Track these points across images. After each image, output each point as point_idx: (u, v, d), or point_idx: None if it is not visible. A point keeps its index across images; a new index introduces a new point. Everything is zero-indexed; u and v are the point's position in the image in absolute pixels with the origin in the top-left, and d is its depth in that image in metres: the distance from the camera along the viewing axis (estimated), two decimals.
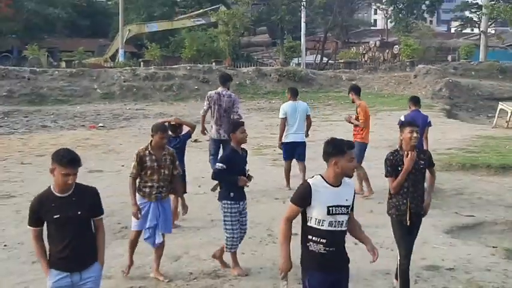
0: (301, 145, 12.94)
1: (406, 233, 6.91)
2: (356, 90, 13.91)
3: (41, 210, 5.17)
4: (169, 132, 10.42)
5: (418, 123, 12.14)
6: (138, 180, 7.62)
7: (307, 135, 13.53)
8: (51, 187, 5.28)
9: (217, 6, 51.44)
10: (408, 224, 6.81)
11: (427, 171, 7.13)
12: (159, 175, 7.53)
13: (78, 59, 41.62)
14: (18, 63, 38.86)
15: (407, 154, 6.72)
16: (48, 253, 5.21)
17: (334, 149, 5.34)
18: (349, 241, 9.27)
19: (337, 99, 29.69)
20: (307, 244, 5.20)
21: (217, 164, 7.89)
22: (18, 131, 21.49)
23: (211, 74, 31.81)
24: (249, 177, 7.94)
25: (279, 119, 13.41)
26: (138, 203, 7.51)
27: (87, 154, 16.83)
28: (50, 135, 20.29)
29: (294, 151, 13.01)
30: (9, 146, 18.09)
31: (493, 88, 34.01)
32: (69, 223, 5.11)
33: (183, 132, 10.74)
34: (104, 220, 10.21)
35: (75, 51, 45.59)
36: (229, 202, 7.75)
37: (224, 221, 7.81)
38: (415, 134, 6.82)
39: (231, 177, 7.67)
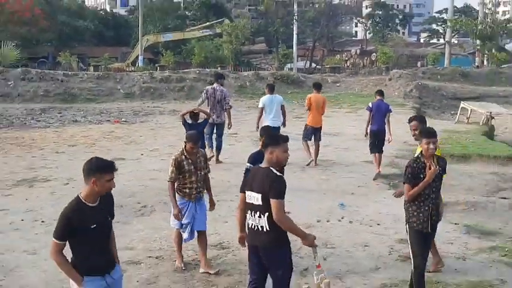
0: (277, 129, 12.85)
1: (424, 241, 6.02)
2: (315, 85, 15.42)
3: (78, 223, 4.52)
4: (190, 120, 12.05)
5: (382, 109, 13.18)
6: (176, 183, 7.10)
7: (284, 125, 13.83)
8: (81, 199, 4.64)
9: (222, 19, 51.38)
10: (429, 231, 6.02)
11: None
12: (197, 176, 7.06)
13: (104, 64, 41.51)
14: (53, 67, 38.71)
15: (430, 166, 5.86)
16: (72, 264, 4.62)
17: (271, 140, 5.30)
18: (333, 218, 9.39)
19: None
20: None
21: (246, 164, 7.10)
22: (53, 125, 21.47)
23: (213, 84, 31.79)
24: None
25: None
26: (179, 203, 7.05)
27: (112, 145, 16.88)
28: (80, 129, 20.28)
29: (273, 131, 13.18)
30: (46, 137, 18.08)
31: (455, 90, 34.01)
32: (102, 231, 4.67)
33: (199, 120, 11.97)
34: (126, 200, 10.39)
35: (101, 57, 45.44)
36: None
37: None
38: (431, 146, 5.92)
39: None
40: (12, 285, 6.71)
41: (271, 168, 5.06)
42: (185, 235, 7.18)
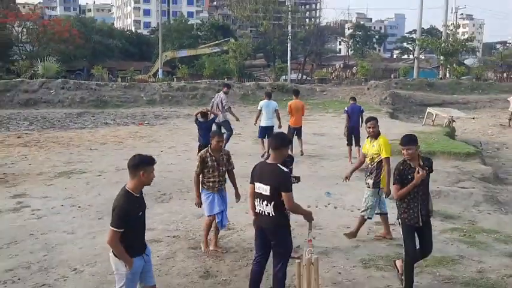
0: (270, 128, 13.60)
1: (413, 235, 5.66)
2: (294, 92, 16.16)
3: (132, 212, 4.50)
4: (201, 118, 12.47)
5: (356, 110, 13.77)
6: (201, 176, 6.89)
7: (280, 126, 13.98)
8: (129, 191, 4.55)
9: (228, 38, 51.36)
10: (420, 225, 5.63)
11: None
12: (219, 172, 6.85)
13: (130, 76, 41.53)
14: (87, 78, 38.81)
15: (419, 171, 5.54)
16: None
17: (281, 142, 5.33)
18: (321, 204, 9.39)
19: (312, 105, 29.67)
20: None
21: None
22: (88, 126, 21.49)
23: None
24: (297, 179, 6.86)
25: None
26: (203, 193, 6.88)
27: (137, 143, 16.88)
28: (110, 130, 20.29)
29: (265, 132, 13.74)
30: (81, 137, 18.11)
31: (423, 97, 33.99)
32: (144, 217, 4.71)
33: (209, 118, 12.52)
34: (148, 189, 10.32)
35: (127, 70, 45.52)
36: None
37: None
38: (405, 152, 5.63)
39: None
40: (54, 260, 6.72)
41: (279, 165, 5.11)
42: (224, 221, 7.00)
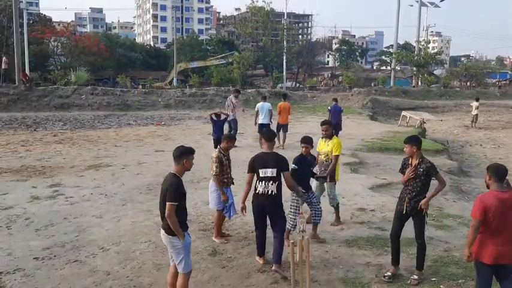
0: (267, 125, 13.88)
1: (398, 217, 5.54)
2: (283, 96, 16.57)
3: (181, 188, 4.60)
4: (215, 118, 13.15)
5: (337, 109, 14.94)
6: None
7: (271, 122, 14.63)
8: (176, 174, 4.65)
9: (233, 52, 51.31)
10: (404, 212, 5.47)
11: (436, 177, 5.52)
12: (230, 169, 6.70)
13: (149, 83, 41.58)
14: (113, 85, 38.78)
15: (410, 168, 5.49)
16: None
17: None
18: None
19: (304, 109, 29.70)
20: None
21: (292, 165, 6.19)
22: (113, 126, 21.48)
23: (229, 93, 31.77)
24: (324, 178, 6.87)
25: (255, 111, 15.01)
26: (215, 188, 6.61)
27: (155, 140, 16.87)
28: (132, 129, 20.28)
29: (263, 128, 13.87)
30: (108, 135, 18.10)
31: (398, 102, 33.96)
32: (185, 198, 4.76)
33: (222, 118, 13.36)
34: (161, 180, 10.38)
35: (147, 79, 45.59)
36: (293, 194, 6.22)
37: (290, 205, 6.31)
38: (405, 148, 5.66)
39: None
40: (84, 240, 6.73)
41: (276, 152, 5.81)
42: (232, 212, 6.73)
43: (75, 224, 7.40)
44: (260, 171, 5.58)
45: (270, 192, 5.51)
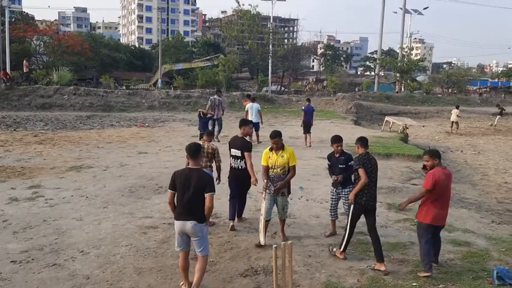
0: (257, 124, 15.28)
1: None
2: (248, 96, 18.96)
3: None
4: (202, 115, 15.79)
5: (311, 109, 16.41)
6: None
7: (261, 122, 16.51)
8: (200, 168, 5.36)
9: (218, 54, 51.25)
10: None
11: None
12: (207, 157, 7.39)
13: (133, 84, 41.24)
14: (96, 86, 38.28)
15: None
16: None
17: (242, 122, 7.70)
18: (295, 197, 9.38)
19: (289, 112, 29.79)
20: None
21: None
22: (96, 127, 21.21)
23: (214, 96, 31.77)
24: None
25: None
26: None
27: (138, 142, 16.71)
28: (115, 130, 20.05)
29: (255, 126, 14.88)
30: (90, 136, 17.86)
31: (382, 108, 34.34)
32: None
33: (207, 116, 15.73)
34: (148, 182, 10.28)
35: (131, 80, 45.23)
36: (330, 187, 7.14)
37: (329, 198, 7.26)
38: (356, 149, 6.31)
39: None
40: (63, 243, 6.60)
41: (244, 137, 7.36)
42: None
43: (54, 227, 7.26)
44: (231, 150, 7.21)
45: (240, 167, 7.13)
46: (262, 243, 6.43)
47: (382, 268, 5.70)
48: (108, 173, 11.35)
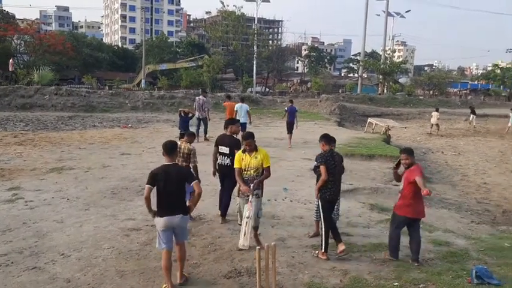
0: (244, 124, 15.10)
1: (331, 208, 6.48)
2: (227, 96, 19.70)
3: None
4: (183, 114, 15.53)
5: (293, 110, 16.78)
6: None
7: (250, 123, 16.65)
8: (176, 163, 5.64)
9: (203, 55, 51.07)
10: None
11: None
12: (182, 158, 7.41)
13: (116, 85, 40.74)
14: (78, 86, 37.75)
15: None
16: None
17: (230, 122, 8.00)
18: (279, 198, 9.40)
19: (274, 113, 29.84)
20: None
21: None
22: (78, 128, 20.90)
23: (199, 96, 31.59)
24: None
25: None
26: None
27: (121, 143, 16.53)
28: (97, 131, 19.80)
29: (242, 127, 15.22)
30: (71, 137, 17.60)
31: (365, 109, 34.68)
32: None
33: (189, 115, 15.71)
34: (130, 184, 10.18)
35: (114, 80, 44.69)
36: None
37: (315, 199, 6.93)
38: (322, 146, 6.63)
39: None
40: (43, 246, 6.48)
41: (233, 135, 7.57)
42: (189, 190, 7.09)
43: (34, 229, 7.13)
44: (219, 147, 7.43)
45: (226, 164, 7.23)
46: (246, 246, 6.21)
47: (324, 257, 6.15)
48: (90, 174, 11.20)
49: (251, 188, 6.31)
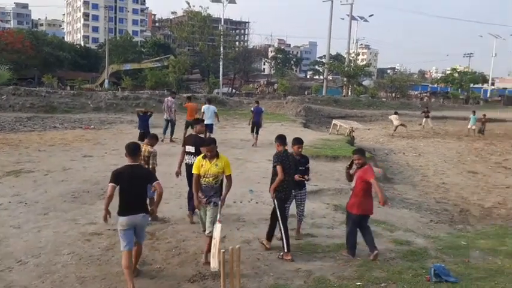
0: (210, 125, 15.68)
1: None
2: (188, 98, 19.00)
3: None
4: (142, 114, 15.29)
5: (259, 110, 17.26)
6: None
7: (218, 121, 17.13)
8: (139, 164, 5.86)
9: (169, 55, 50.55)
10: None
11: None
12: (144, 161, 7.53)
13: (78, 85, 39.71)
14: (38, 86, 36.50)
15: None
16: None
17: (195, 122, 8.27)
18: (245, 200, 9.39)
19: (240, 115, 29.82)
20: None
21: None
22: (37, 129, 20.16)
23: (164, 97, 31.03)
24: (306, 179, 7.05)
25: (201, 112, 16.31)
26: None
27: (83, 145, 16.08)
28: (58, 133, 19.18)
29: (209, 128, 15.42)
30: (30, 139, 16.96)
31: (330, 111, 35.24)
32: None
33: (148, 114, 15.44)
34: (92, 187, 9.92)
35: (76, 80, 43.54)
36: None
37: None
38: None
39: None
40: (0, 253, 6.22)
41: (199, 134, 7.79)
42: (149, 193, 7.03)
43: None
44: (186, 147, 7.60)
45: (191, 163, 6.87)
46: (217, 268, 5.39)
47: (268, 246, 6.53)
48: (50, 177, 10.84)
49: (210, 204, 5.94)
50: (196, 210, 6.42)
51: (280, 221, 6.41)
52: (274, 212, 6.54)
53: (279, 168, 6.35)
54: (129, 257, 5.26)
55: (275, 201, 6.43)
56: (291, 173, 6.51)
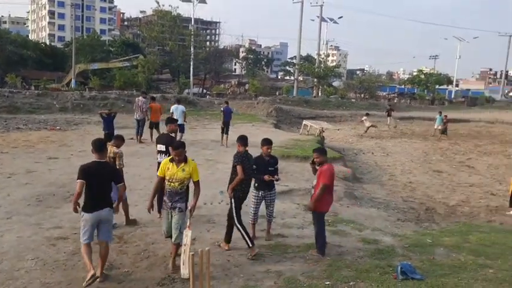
0: (182, 125, 15.95)
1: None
2: (151, 98, 18.54)
3: None
4: (105, 115, 15.15)
5: (229, 110, 17.51)
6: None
7: (185, 121, 17.16)
8: (106, 161, 6.01)
9: (138, 55, 49.74)
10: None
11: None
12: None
13: (43, 84, 38.58)
14: (0, 86, 35.22)
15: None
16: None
17: (168, 121, 8.32)
18: (215, 201, 9.35)
19: (211, 115, 29.68)
20: None
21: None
22: None
23: (132, 98, 30.52)
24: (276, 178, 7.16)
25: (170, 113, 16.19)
26: None
27: (48, 147, 15.63)
28: (22, 134, 18.56)
29: (180, 128, 15.47)
30: None
31: (300, 112, 35.54)
32: None
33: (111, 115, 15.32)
34: (58, 190, 9.66)
35: (41, 79, 42.29)
36: (254, 191, 7.09)
37: (251, 201, 7.19)
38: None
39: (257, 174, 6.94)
40: None
41: (170, 134, 8.03)
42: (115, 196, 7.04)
43: None
44: (158, 146, 7.83)
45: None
46: (186, 275, 5.30)
47: (226, 248, 6.58)
48: (13, 180, 10.48)
49: (175, 209, 5.76)
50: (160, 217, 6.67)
51: (235, 220, 6.49)
52: (230, 212, 6.59)
53: (239, 168, 6.44)
54: (88, 247, 5.35)
55: (232, 200, 6.50)
56: (250, 173, 6.62)
